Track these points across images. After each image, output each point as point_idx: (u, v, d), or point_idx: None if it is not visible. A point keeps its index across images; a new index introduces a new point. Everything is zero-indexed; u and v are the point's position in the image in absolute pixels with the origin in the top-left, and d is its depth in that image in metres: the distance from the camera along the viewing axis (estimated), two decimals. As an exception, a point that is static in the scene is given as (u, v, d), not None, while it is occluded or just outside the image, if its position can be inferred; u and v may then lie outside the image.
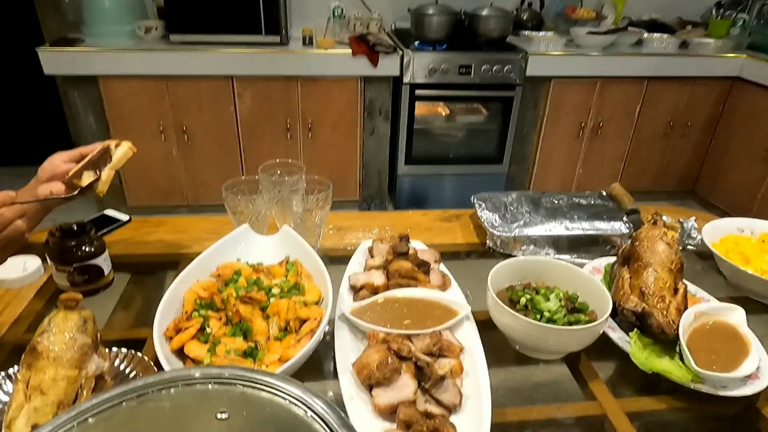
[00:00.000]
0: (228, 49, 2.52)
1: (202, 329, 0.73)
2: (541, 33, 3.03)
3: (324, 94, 2.72)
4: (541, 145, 3.04)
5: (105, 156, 0.88)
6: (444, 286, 0.90)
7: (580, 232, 1.07)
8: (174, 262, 1.03)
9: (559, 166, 3.13)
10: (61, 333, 0.66)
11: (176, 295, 0.78)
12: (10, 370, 0.72)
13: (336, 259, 1.04)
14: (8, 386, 0.70)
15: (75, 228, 0.89)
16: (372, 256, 0.97)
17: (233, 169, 2.81)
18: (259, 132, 2.76)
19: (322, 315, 0.75)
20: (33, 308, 0.89)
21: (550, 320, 0.78)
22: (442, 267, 0.96)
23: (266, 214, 0.97)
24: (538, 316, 0.79)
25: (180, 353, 0.71)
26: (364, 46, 2.62)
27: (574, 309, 0.81)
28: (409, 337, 0.76)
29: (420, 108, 2.80)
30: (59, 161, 0.92)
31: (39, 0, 2.85)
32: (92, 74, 2.50)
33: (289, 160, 1.04)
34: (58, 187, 0.88)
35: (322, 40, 2.64)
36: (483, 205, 1.14)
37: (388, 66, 2.65)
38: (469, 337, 0.79)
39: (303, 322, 0.76)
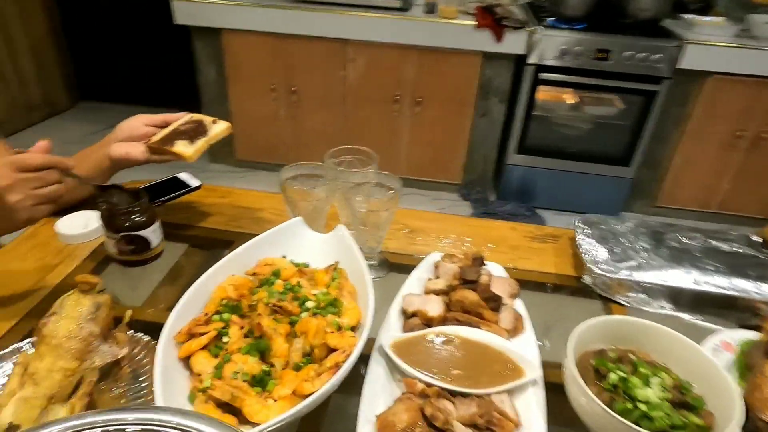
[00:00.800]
0: (346, 11, 2.42)
1: (220, 337, 0.65)
2: (708, 18, 2.53)
3: (439, 67, 2.53)
4: (681, 151, 2.60)
5: (199, 128, 0.89)
6: (515, 330, 0.73)
7: (713, 290, 0.82)
8: (230, 241, 0.97)
9: (700, 178, 2.66)
10: (68, 319, 0.60)
11: (203, 290, 0.70)
12: (22, 343, 0.69)
13: (398, 267, 0.91)
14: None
15: (127, 192, 0.85)
16: (437, 276, 0.82)
17: (335, 135, 2.77)
18: (365, 100, 2.67)
19: (353, 347, 0.63)
20: (84, 268, 0.88)
21: (645, 416, 0.58)
22: (519, 304, 0.78)
23: (325, 208, 0.86)
24: (630, 405, 0.59)
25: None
26: (490, 18, 2.38)
27: (684, 404, 0.61)
28: (452, 395, 0.61)
29: (542, 93, 2.52)
30: (140, 123, 0.90)
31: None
32: (216, 27, 2.55)
33: (361, 147, 0.92)
34: (135, 150, 0.85)
35: (445, 9, 2.44)
36: (587, 232, 0.93)
37: (513, 43, 2.39)
38: (530, 408, 0.62)
39: (331, 350, 0.64)
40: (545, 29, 2.35)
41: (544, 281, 0.91)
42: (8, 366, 0.66)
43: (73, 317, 0.60)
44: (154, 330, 0.73)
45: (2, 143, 0.71)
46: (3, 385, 0.61)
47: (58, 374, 0.57)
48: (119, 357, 0.65)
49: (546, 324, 0.80)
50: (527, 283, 0.88)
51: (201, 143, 0.87)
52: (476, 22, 2.37)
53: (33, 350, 0.62)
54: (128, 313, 0.70)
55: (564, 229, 1.04)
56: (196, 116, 0.93)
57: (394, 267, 0.91)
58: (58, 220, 0.93)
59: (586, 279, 0.88)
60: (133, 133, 0.91)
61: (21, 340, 0.69)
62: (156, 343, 0.66)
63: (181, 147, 0.85)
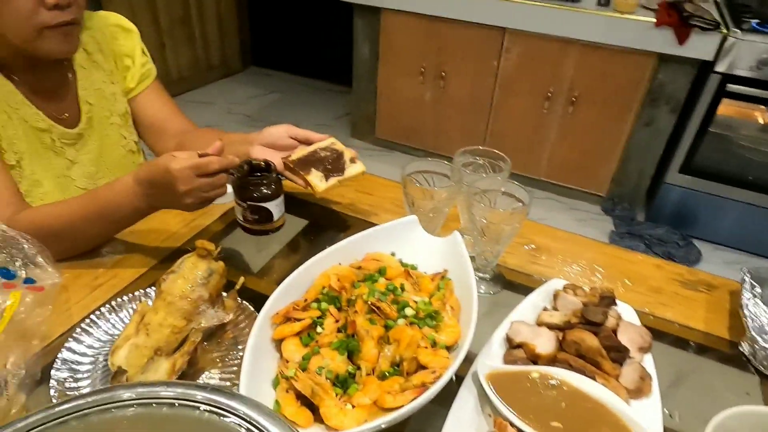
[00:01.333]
0: (509, -3, 2.29)
1: (314, 326, 0.64)
2: None
3: (602, 66, 2.30)
4: None
5: (337, 162, 0.90)
6: (638, 392, 0.62)
7: None
8: (347, 225, 0.97)
9: None
10: (184, 279, 0.64)
11: (308, 275, 0.70)
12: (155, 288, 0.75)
13: (513, 286, 0.84)
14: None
15: (262, 165, 0.88)
16: (554, 308, 0.73)
17: (477, 125, 2.67)
18: (514, 94, 2.53)
19: (445, 369, 0.58)
20: (213, 228, 0.94)
21: None
22: (648, 360, 0.67)
23: (444, 210, 0.81)
24: None
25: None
26: (676, 16, 2.08)
27: None
28: (546, 453, 0.54)
29: (726, 107, 2.15)
30: (284, 133, 0.93)
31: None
32: (377, 5, 2.58)
33: (496, 151, 0.85)
34: (275, 160, 0.89)
35: (621, 2, 2.18)
36: (757, 291, 0.76)
37: (699, 46, 2.07)
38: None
39: (421, 367, 0.60)
40: (744, 33, 1.99)
41: (686, 338, 0.77)
42: (133, 310, 0.73)
43: (187, 279, 0.64)
44: (260, 301, 0.75)
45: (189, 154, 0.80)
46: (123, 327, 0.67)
47: (167, 329, 0.61)
48: (224, 321, 0.68)
49: (679, 391, 0.67)
50: (663, 336, 0.75)
51: (334, 181, 0.88)
52: (656, 19, 2.09)
53: (145, 304, 0.67)
54: (240, 281, 0.72)
55: (725, 279, 0.87)
56: (338, 145, 0.93)
57: (508, 285, 0.84)
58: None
59: (745, 348, 0.72)
60: (276, 142, 0.94)
61: (147, 287, 0.76)
62: (256, 314, 0.68)
63: (315, 179, 0.88)
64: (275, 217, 0.89)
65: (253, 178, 0.85)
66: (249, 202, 0.86)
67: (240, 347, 0.69)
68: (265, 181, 0.86)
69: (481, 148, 0.86)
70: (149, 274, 0.82)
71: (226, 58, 3.87)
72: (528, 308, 0.73)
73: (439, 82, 2.66)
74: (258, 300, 0.76)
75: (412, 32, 2.59)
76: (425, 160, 0.83)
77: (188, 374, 0.64)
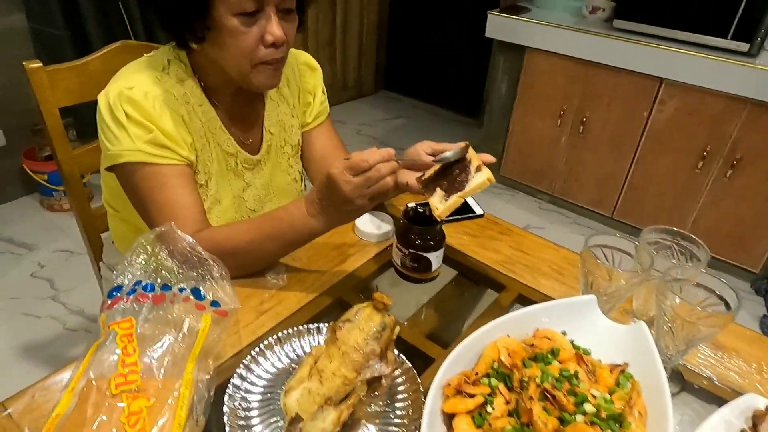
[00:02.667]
0: (669, 46, 2.13)
1: (485, 403, 0.61)
2: None
3: (776, 130, 2.05)
4: None
5: (463, 174, 0.81)
6: None
7: None
8: (500, 284, 0.93)
9: None
10: (360, 331, 0.64)
11: (478, 343, 0.67)
12: (322, 325, 0.77)
13: (694, 390, 0.74)
14: (315, 340, 0.75)
15: (426, 214, 0.87)
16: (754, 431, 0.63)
17: (615, 178, 2.51)
18: (664, 149, 2.34)
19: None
20: (368, 267, 0.95)
21: None
22: None
23: (626, 294, 0.74)
24: None
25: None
26: None
27: None
28: None
29: None
30: (422, 150, 0.92)
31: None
32: (522, 44, 2.54)
33: (691, 234, 0.76)
34: (412, 181, 0.87)
35: (811, 61, 1.94)
36: None
37: None
38: None
39: (603, 476, 0.54)
40: None
41: None
42: (297, 343, 0.74)
43: (363, 330, 0.64)
44: (411, 352, 0.75)
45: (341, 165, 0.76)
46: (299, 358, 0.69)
47: (338, 379, 0.61)
48: (384, 374, 0.67)
49: None
50: None
51: (453, 200, 0.79)
52: None
53: (319, 348, 0.68)
54: (397, 330, 0.71)
55: None
56: (470, 153, 0.83)
57: (688, 387, 0.74)
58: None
59: None
60: (416, 161, 0.92)
61: (308, 321, 0.77)
62: (411, 368, 0.66)
63: (436, 200, 0.80)
64: (434, 267, 0.88)
65: (417, 227, 0.85)
66: (411, 250, 0.86)
67: (399, 405, 0.68)
68: (430, 232, 0.85)
69: (669, 228, 0.78)
70: (309, 306, 0.84)
71: (361, 80, 4.03)
72: (720, 426, 0.64)
73: (578, 127, 2.54)
74: (410, 352, 0.75)
75: (557, 74, 2.51)
76: (609, 236, 0.77)
77: (347, 425, 0.64)
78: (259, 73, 0.86)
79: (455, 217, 1.08)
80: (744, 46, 2.02)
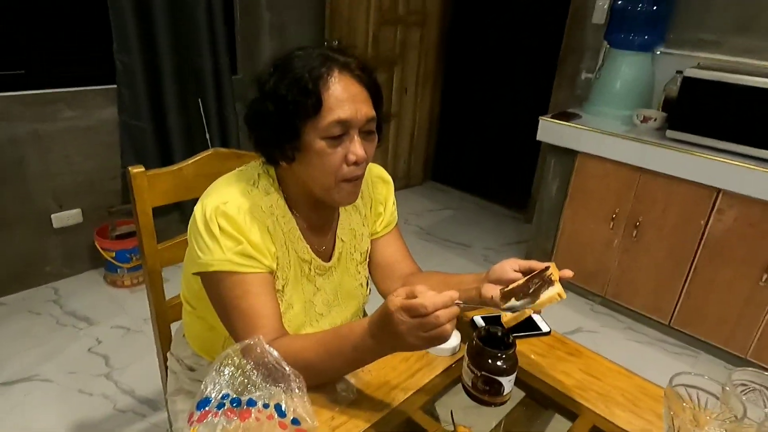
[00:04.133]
0: (725, 158, 2.14)
1: None
2: None
3: None
4: None
5: (540, 288, 0.84)
6: None
7: None
8: (572, 413, 0.90)
9: None
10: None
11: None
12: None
13: None
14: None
15: (499, 334, 0.88)
16: None
17: (671, 284, 2.44)
18: (724, 259, 2.28)
19: None
20: (436, 384, 0.94)
21: None
22: None
23: (714, 440, 0.71)
24: None
25: None
26: None
27: None
28: None
29: None
30: (509, 267, 0.94)
31: (560, 72, 3.19)
32: (574, 149, 2.61)
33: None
34: (497, 294, 0.89)
35: None
36: None
37: None
38: None
39: None
40: None
41: None
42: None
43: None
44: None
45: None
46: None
47: None
48: None
49: None
50: None
51: (522, 310, 0.82)
52: None
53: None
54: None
55: None
56: (552, 270, 0.85)
57: None
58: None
59: None
60: (502, 277, 0.94)
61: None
62: None
63: (506, 308, 0.84)
64: (505, 391, 0.87)
65: (491, 350, 0.85)
66: (483, 372, 0.85)
67: None
68: (504, 355, 0.85)
69: (757, 371, 0.76)
70: (378, 424, 0.84)
71: (410, 171, 4.18)
72: None
73: (632, 231, 2.52)
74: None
75: (609, 178, 2.54)
76: (694, 375, 0.75)
77: None
78: (341, 189, 0.93)
79: (522, 334, 1.08)
80: (805, 162, 2.01)
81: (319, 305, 1.07)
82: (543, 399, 0.94)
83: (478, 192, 4.09)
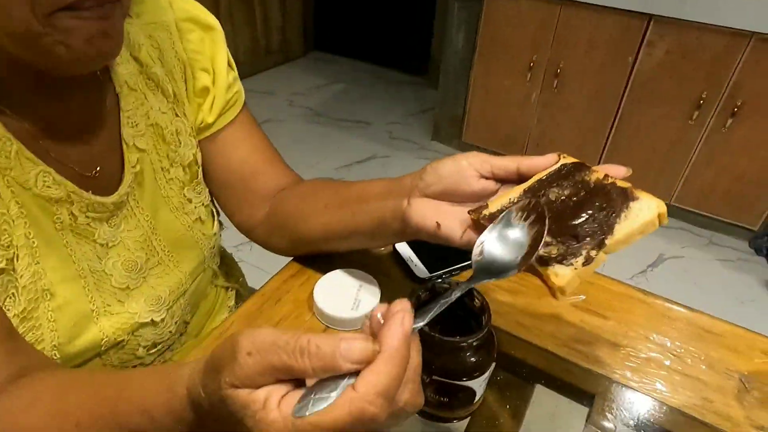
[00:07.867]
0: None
1: None
2: None
3: (783, 68, 1.76)
4: None
5: (609, 218, 0.40)
6: None
7: None
8: (590, 396, 0.54)
9: None
10: None
11: None
12: None
13: None
14: None
15: (468, 305, 0.45)
16: None
17: (595, 136, 2.18)
18: (652, 100, 2.02)
19: None
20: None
21: None
22: None
23: None
24: None
25: None
26: None
27: None
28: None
29: None
30: (474, 169, 0.49)
31: None
32: (479, -13, 2.11)
33: None
34: (451, 222, 0.45)
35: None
36: None
37: None
38: None
39: None
40: None
41: None
42: None
43: None
44: None
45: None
46: None
47: None
48: None
49: None
50: None
51: (595, 263, 0.39)
52: None
53: None
54: None
55: None
56: (596, 171, 0.43)
57: None
58: (318, 279, 0.60)
59: None
60: (458, 187, 0.50)
61: None
62: None
63: (554, 265, 0.40)
64: (477, 396, 0.46)
65: (449, 339, 0.42)
66: (435, 377, 0.44)
67: None
68: (467, 342, 0.43)
69: None
70: None
71: (287, 42, 3.46)
72: None
73: (552, 81, 2.17)
74: None
75: (524, 20, 2.11)
76: None
77: None
78: (62, 32, 0.40)
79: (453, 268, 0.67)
80: (749, -30, 1.69)
81: (118, 275, 0.57)
82: (522, 369, 0.56)
83: (371, 58, 3.51)
